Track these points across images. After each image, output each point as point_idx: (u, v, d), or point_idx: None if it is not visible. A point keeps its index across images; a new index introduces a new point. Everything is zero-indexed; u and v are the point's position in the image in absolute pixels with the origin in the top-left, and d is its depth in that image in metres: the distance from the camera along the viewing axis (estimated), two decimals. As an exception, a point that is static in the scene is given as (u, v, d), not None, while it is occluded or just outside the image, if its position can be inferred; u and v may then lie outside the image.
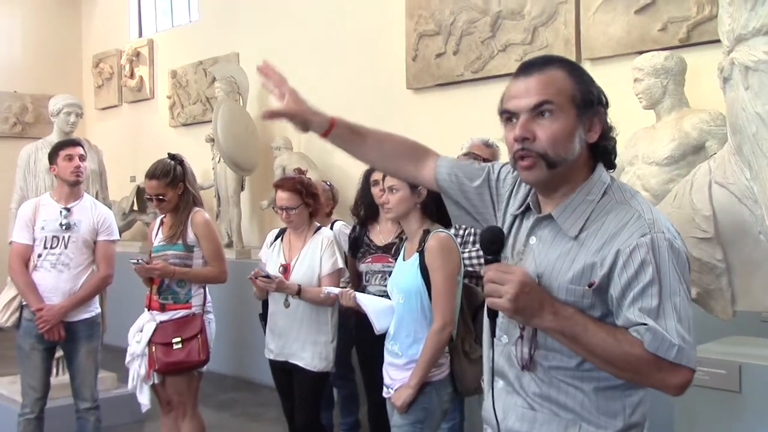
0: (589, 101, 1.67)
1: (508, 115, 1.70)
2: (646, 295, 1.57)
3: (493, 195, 1.93)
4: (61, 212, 4.25)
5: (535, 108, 1.65)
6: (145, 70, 9.78)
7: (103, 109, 10.57)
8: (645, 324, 1.56)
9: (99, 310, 4.47)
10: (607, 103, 1.72)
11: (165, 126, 9.43)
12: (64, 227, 4.22)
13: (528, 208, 1.81)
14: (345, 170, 6.70)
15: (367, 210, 4.50)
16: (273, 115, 1.93)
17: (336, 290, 3.60)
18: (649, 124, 4.29)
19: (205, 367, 4.11)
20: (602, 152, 1.73)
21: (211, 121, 7.65)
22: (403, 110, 6.54)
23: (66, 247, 4.22)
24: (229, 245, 7.56)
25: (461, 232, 4.11)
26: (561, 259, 1.67)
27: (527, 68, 1.71)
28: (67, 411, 4.54)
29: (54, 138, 5.66)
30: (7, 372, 5.89)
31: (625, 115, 4.56)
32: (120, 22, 10.40)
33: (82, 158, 4.34)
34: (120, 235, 9.06)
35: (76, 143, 4.44)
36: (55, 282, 4.20)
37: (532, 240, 1.76)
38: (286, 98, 1.91)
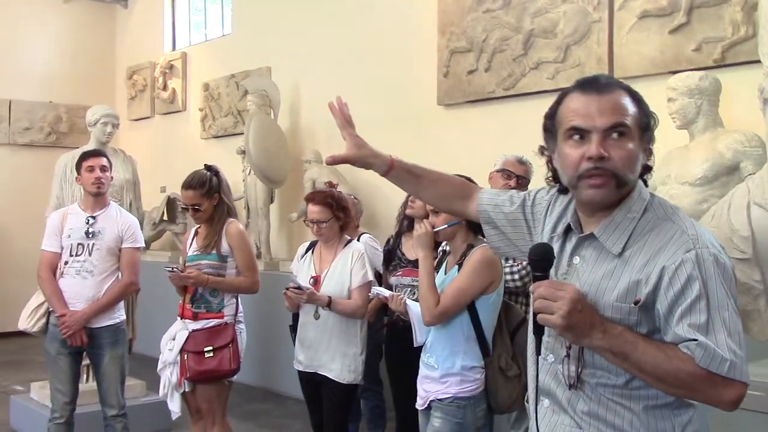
0: (648, 126, 1.72)
1: (574, 132, 1.70)
2: (694, 310, 1.58)
3: (528, 220, 1.99)
4: (87, 221, 4.31)
5: (611, 128, 1.67)
6: (178, 82, 9.93)
7: (136, 120, 10.72)
8: (695, 340, 1.56)
9: (124, 317, 4.51)
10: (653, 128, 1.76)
11: (196, 138, 9.55)
12: (88, 235, 4.28)
13: (569, 229, 1.83)
14: (374, 184, 6.74)
15: (403, 221, 4.56)
16: (336, 160, 2.03)
17: (387, 292, 3.64)
18: (683, 144, 4.27)
19: (235, 376, 4.15)
20: (643, 171, 1.76)
21: (241, 134, 7.74)
22: (434, 126, 6.57)
23: (90, 254, 4.27)
24: (258, 257, 7.58)
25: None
26: (606, 277, 1.69)
27: (594, 87, 1.71)
28: (96, 417, 4.59)
29: (90, 148, 5.75)
30: (38, 378, 5.97)
31: (659, 135, 4.55)
32: (154, 34, 10.56)
33: (104, 169, 4.39)
34: (149, 245, 9.29)
35: (99, 154, 4.50)
36: (79, 288, 4.25)
37: (576, 260, 1.78)
38: (348, 143, 2.01)
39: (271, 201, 7.78)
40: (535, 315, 1.64)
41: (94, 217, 4.33)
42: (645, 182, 1.78)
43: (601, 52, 5.35)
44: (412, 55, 6.79)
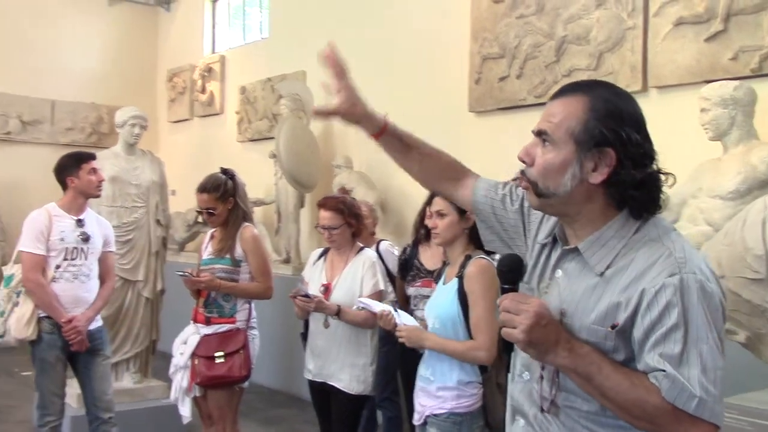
0: (592, 138, 1.56)
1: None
2: (669, 339, 1.46)
3: (525, 221, 1.87)
4: (77, 223, 4.24)
5: (537, 134, 1.63)
6: (216, 85, 9.99)
7: (175, 122, 10.84)
8: (663, 371, 1.45)
9: (101, 321, 4.49)
10: (627, 145, 1.54)
11: (233, 141, 9.59)
12: (82, 239, 4.23)
13: (556, 240, 1.72)
14: (404, 190, 6.66)
15: (420, 230, 4.46)
16: (322, 112, 1.87)
17: (377, 307, 3.43)
18: (716, 155, 4.12)
19: (246, 382, 4.11)
20: (626, 199, 1.58)
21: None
22: (464, 133, 6.46)
23: (86, 258, 4.24)
24: (287, 261, 7.60)
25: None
26: (586, 296, 1.58)
27: (559, 92, 1.66)
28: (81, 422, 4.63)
29: (119, 149, 5.80)
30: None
31: (691, 146, 4.42)
32: (195, 38, 10.67)
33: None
34: (184, 246, 9.34)
35: (95, 156, 4.42)
36: (78, 292, 4.21)
37: (558, 273, 1.68)
38: (341, 97, 1.84)
39: (302, 206, 7.76)
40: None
41: (81, 221, 4.28)
42: (636, 209, 1.59)
43: (635, 60, 5.19)
44: (444, 62, 6.70)
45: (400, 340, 3.21)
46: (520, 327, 1.49)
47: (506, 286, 1.60)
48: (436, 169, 1.98)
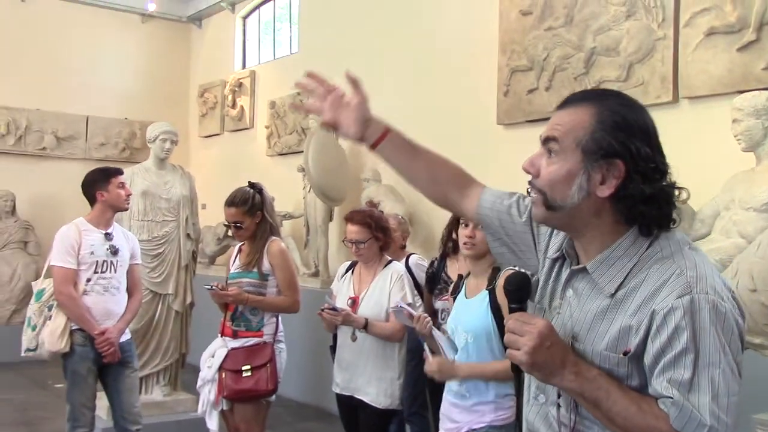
0: (600, 149, 1.49)
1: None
2: (678, 365, 1.39)
3: (534, 233, 1.79)
4: (106, 237, 4.28)
5: (544, 142, 1.56)
6: (246, 100, 10.07)
7: (206, 137, 10.94)
8: (671, 397, 1.39)
9: (130, 334, 4.54)
10: (636, 158, 1.48)
11: (262, 155, 9.66)
12: (113, 252, 4.27)
13: (566, 256, 1.66)
14: (432, 204, 6.63)
15: (448, 243, 4.43)
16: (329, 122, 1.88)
17: (413, 311, 3.41)
18: (749, 167, 4.04)
19: (273, 396, 4.11)
20: (636, 215, 1.50)
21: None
22: (492, 146, 6.43)
23: (115, 271, 4.29)
24: (315, 274, 7.61)
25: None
26: (597, 319, 1.52)
27: (565, 101, 1.60)
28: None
29: (150, 164, 5.88)
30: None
31: (724, 157, 4.35)
32: (226, 53, 10.77)
33: None
34: (214, 260, 9.39)
35: (122, 171, 4.50)
36: (108, 305, 4.26)
37: (569, 293, 1.61)
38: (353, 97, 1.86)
39: (330, 219, 7.77)
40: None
41: (109, 234, 4.32)
42: (647, 226, 1.51)
43: (666, 71, 5.12)
44: (472, 74, 6.68)
45: (430, 375, 3.13)
46: (523, 348, 1.43)
47: (513, 306, 1.55)
48: (445, 178, 1.87)
